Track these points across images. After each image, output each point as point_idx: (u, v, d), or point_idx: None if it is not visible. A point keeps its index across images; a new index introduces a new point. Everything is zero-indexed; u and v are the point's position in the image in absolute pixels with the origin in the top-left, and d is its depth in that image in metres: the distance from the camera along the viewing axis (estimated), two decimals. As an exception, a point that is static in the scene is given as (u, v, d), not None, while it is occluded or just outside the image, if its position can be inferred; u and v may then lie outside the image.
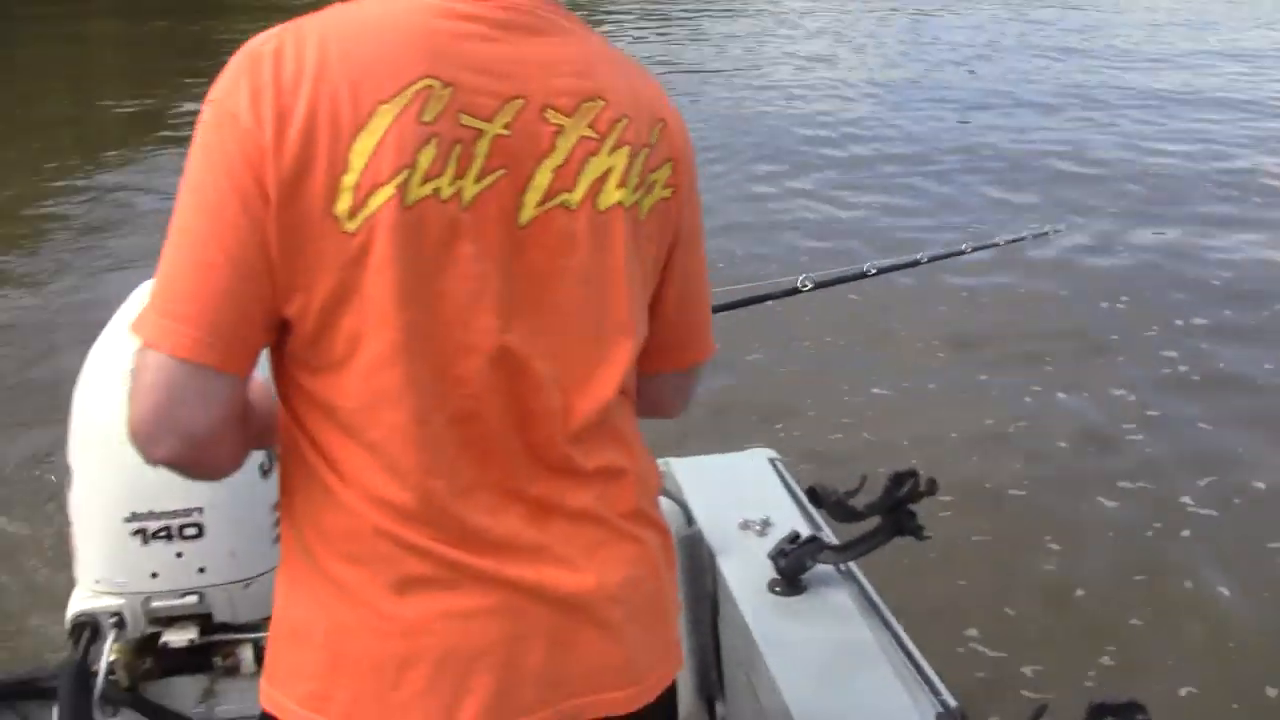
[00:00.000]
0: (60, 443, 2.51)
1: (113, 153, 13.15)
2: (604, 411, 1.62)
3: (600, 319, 1.60)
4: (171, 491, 2.33)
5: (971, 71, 18.14)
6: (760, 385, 6.67)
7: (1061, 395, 6.78)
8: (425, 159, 1.43)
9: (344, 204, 1.41)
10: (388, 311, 1.45)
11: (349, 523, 1.52)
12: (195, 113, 1.44)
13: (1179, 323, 7.74)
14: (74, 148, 13.53)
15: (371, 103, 1.41)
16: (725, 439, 4.73)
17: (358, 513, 1.51)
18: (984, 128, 13.94)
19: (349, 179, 1.41)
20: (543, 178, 1.51)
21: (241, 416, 1.53)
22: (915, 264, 3.85)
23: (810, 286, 3.46)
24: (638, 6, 25.73)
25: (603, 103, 1.55)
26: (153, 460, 1.47)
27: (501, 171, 1.49)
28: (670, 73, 16.56)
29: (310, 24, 1.47)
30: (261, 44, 1.46)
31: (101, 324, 2.54)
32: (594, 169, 1.54)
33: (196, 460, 1.49)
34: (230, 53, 1.47)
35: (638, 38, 21.67)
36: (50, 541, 4.96)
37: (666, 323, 1.74)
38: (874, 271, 3.65)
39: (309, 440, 1.54)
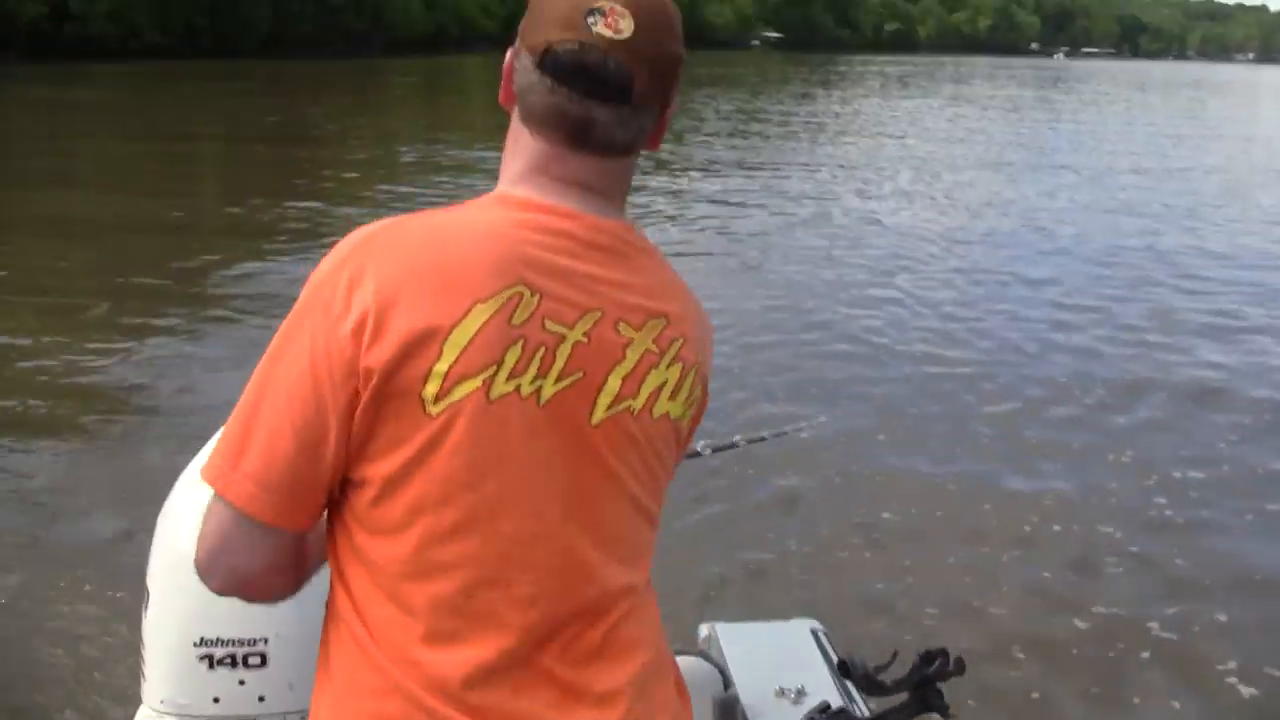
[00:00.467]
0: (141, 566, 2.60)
1: (216, 256, 13.88)
2: (641, 599, 1.78)
3: (641, 517, 1.77)
4: (240, 620, 2.41)
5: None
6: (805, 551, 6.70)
7: (1057, 527, 7.05)
8: (511, 358, 1.60)
9: (431, 389, 1.57)
10: (454, 492, 1.60)
11: (372, 679, 1.64)
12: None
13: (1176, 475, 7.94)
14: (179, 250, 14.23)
15: (469, 301, 1.58)
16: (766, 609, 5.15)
17: (387, 673, 1.63)
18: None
19: (440, 367, 1.57)
20: (614, 383, 1.68)
21: (292, 563, 1.73)
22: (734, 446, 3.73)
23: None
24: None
25: (665, 322, 1.73)
26: (211, 590, 1.69)
27: (579, 374, 1.65)
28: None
29: (415, 223, 1.69)
30: (371, 234, 1.66)
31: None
32: (653, 380, 1.72)
33: (247, 595, 1.72)
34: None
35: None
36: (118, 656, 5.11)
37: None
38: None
39: (348, 594, 1.68)
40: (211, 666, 2.45)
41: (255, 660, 2.45)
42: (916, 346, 10.78)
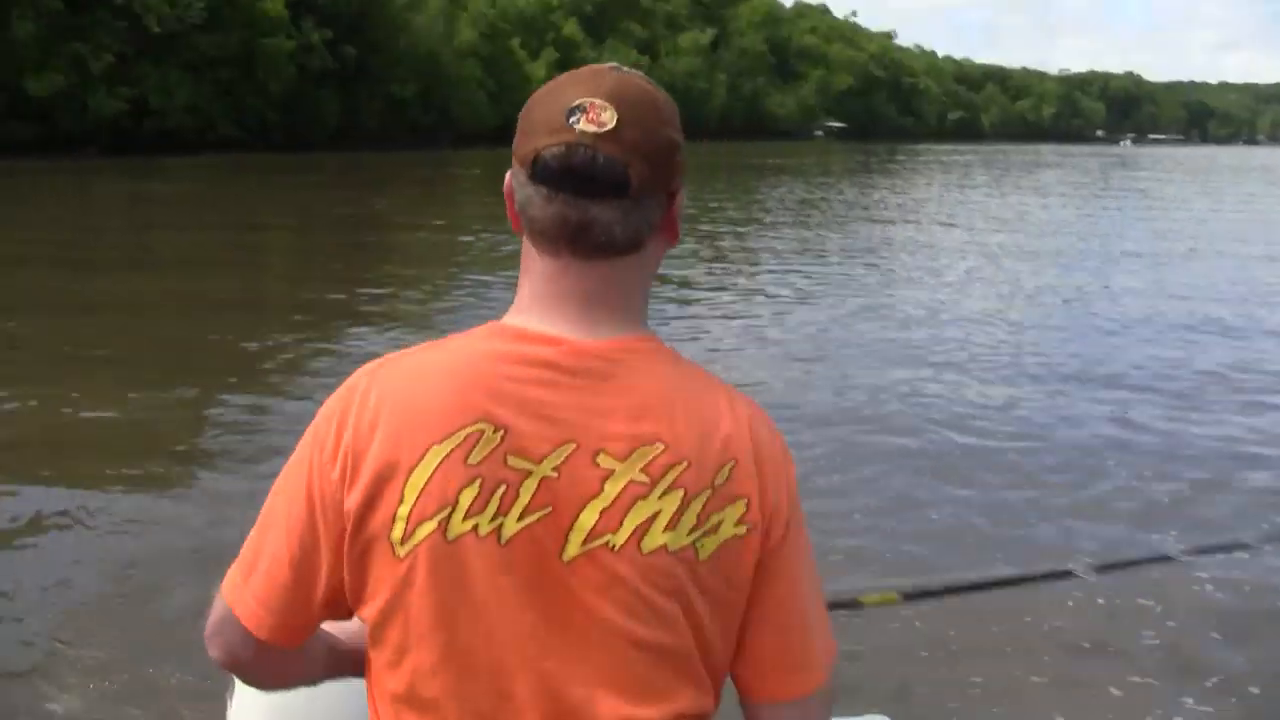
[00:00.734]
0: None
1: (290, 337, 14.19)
2: None
3: (644, 653, 1.67)
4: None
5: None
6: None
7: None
8: (466, 498, 1.62)
9: (397, 532, 1.63)
10: (425, 632, 1.65)
11: None
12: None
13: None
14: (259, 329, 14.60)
15: (425, 444, 1.63)
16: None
17: None
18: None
19: (402, 510, 1.62)
20: (588, 518, 1.64)
21: (279, 669, 1.89)
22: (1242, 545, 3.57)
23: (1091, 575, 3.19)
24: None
25: (660, 446, 1.66)
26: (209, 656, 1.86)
27: (547, 510, 1.63)
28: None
29: (392, 366, 1.75)
30: (355, 382, 1.74)
31: None
32: (640, 513, 1.64)
33: (237, 673, 1.91)
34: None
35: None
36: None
37: (756, 657, 1.78)
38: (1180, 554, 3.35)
39: (374, 709, 1.79)
40: None
41: None
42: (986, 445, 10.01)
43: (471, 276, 19.96)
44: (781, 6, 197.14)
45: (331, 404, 1.74)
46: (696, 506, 1.66)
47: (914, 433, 10.23)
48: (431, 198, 44.00)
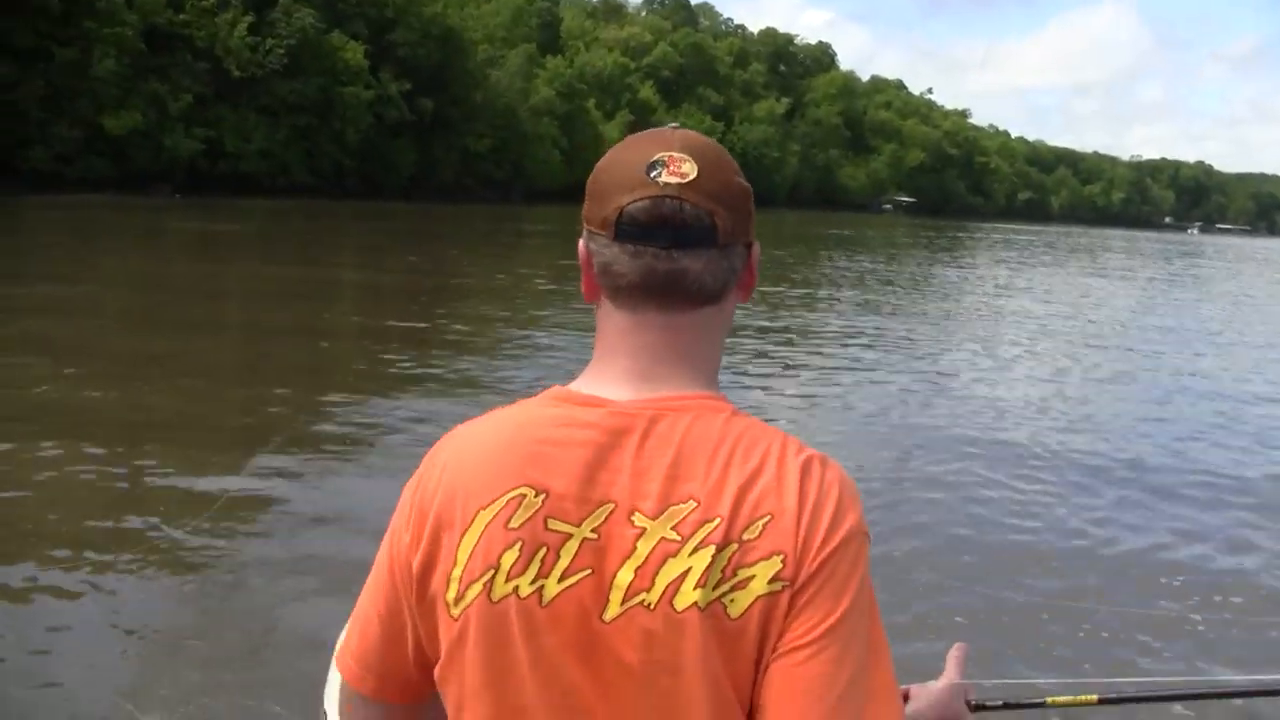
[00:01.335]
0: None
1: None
2: None
3: (686, 711, 1.63)
4: None
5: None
6: None
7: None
8: (508, 560, 1.65)
9: (452, 593, 1.69)
10: (478, 689, 1.70)
11: None
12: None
13: None
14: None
15: (474, 509, 1.68)
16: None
17: None
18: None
19: (456, 573, 1.68)
20: (624, 576, 1.64)
21: None
22: None
23: None
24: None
25: (693, 504, 1.63)
26: None
27: (588, 571, 1.65)
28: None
29: (466, 431, 1.81)
30: (435, 449, 1.82)
31: None
32: (671, 570, 1.62)
33: None
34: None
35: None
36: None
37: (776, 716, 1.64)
38: None
39: None
40: None
41: None
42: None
43: (535, 334, 20.03)
44: (858, 80, 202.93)
45: (417, 472, 1.79)
46: (722, 562, 1.61)
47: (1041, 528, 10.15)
48: (501, 251, 44.59)
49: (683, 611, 1.60)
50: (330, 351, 17.92)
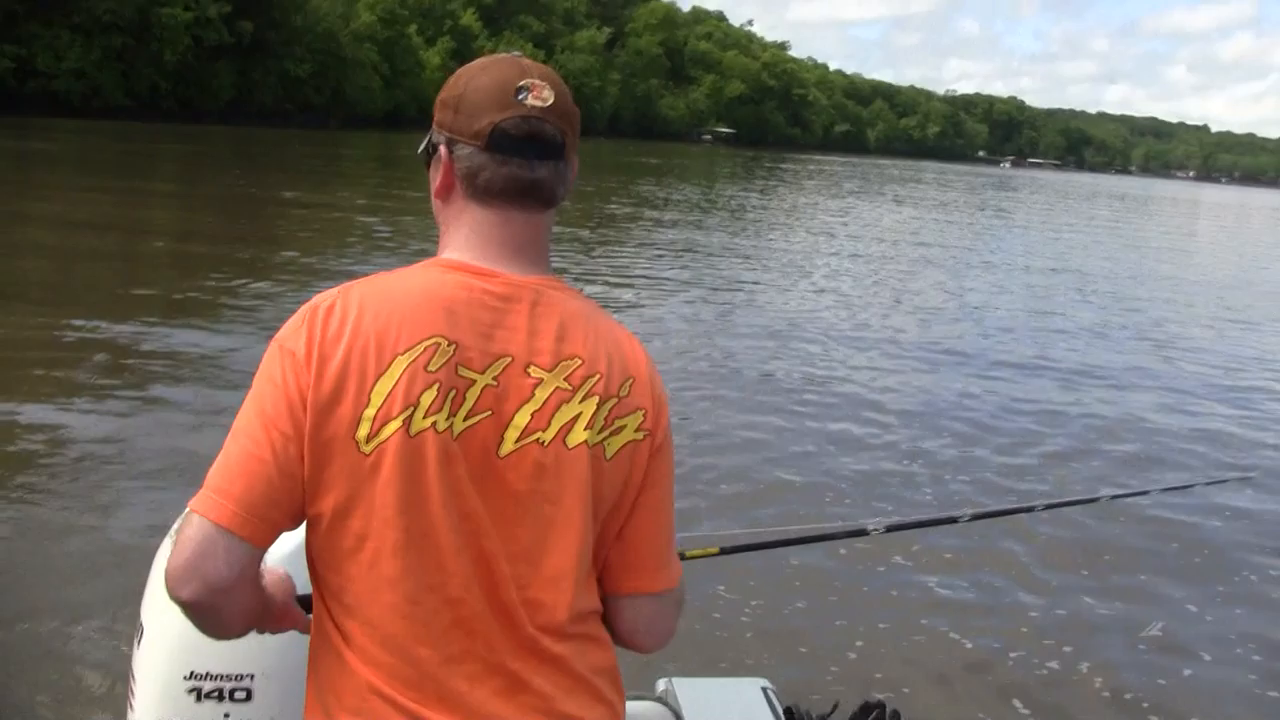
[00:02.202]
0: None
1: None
2: (568, 613, 2.00)
3: (560, 535, 1.98)
4: (228, 657, 2.48)
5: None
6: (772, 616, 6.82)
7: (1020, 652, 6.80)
8: (426, 399, 1.87)
9: (363, 431, 1.85)
10: (390, 516, 1.87)
11: (352, 682, 1.93)
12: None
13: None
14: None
15: (390, 354, 1.87)
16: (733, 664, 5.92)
17: (359, 674, 1.92)
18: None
19: (369, 412, 1.85)
20: (521, 419, 1.93)
21: (254, 580, 1.94)
22: (1024, 509, 4.12)
23: (882, 529, 3.41)
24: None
25: (578, 361, 1.98)
26: (178, 599, 1.87)
27: (488, 413, 1.92)
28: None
29: (356, 289, 1.96)
30: (319, 301, 1.95)
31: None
32: (565, 414, 1.95)
33: (212, 605, 1.87)
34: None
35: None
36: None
37: (633, 549, 2.09)
38: (967, 518, 3.61)
39: (328, 615, 1.97)
40: (199, 699, 2.54)
41: (241, 695, 2.55)
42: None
43: (352, 251, 20.74)
44: (679, 11, 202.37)
45: (294, 321, 1.96)
46: (606, 409, 1.99)
47: (758, 407, 11.73)
48: (320, 176, 44.26)
49: (573, 448, 1.96)
50: (140, 272, 17.87)
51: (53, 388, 10.23)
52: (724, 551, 3.22)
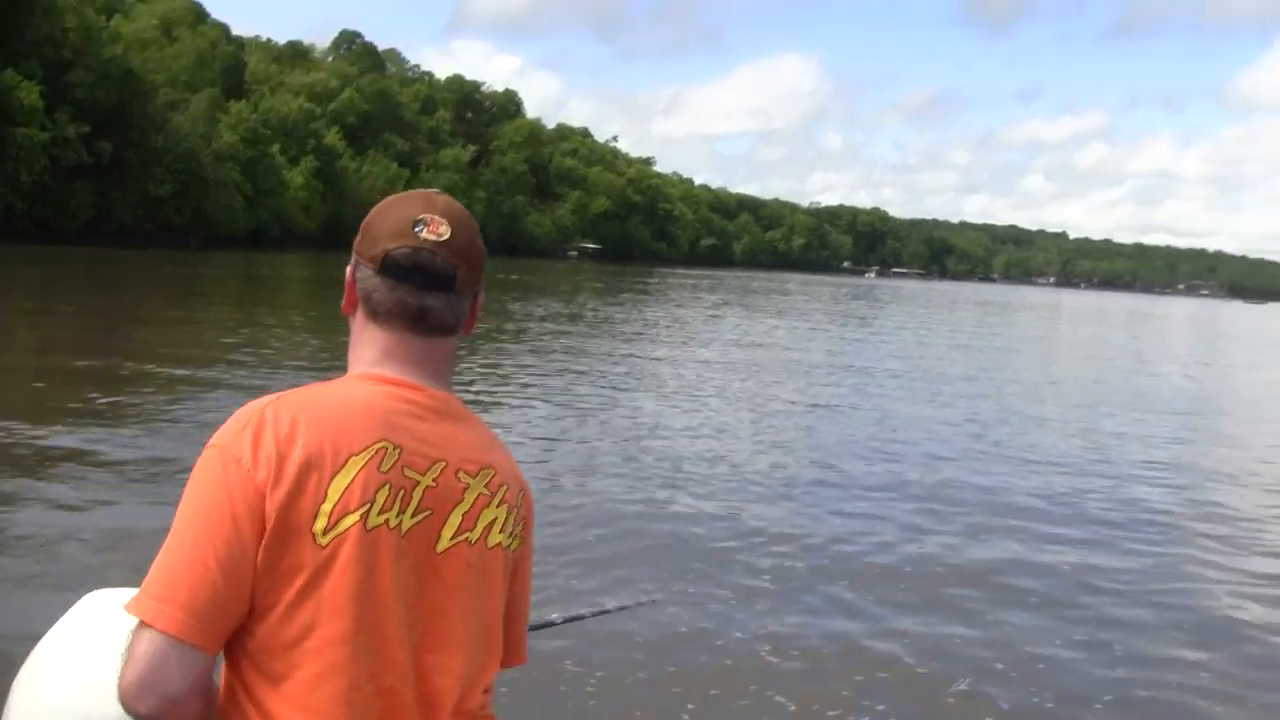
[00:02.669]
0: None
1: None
2: (479, 703, 2.22)
3: (481, 628, 2.19)
4: None
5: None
6: None
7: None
8: (381, 497, 2.03)
9: (320, 524, 1.98)
10: (342, 605, 1.99)
11: None
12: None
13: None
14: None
15: (346, 454, 2.02)
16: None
17: None
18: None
19: (325, 506, 1.99)
20: (455, 519, 2.12)
21: (206, 688, 1.99)
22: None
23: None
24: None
25: (493, 471, 2.20)
26: (135, 713, 1.91)
27: (429, 511, 2.09)
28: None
29: (292, 398, 2.09)
30: (259, 408, 2.06)
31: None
32: (486, 517, 2.17)
33: (167, 717, 1.91)
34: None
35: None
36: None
37: (512, 630, 2.34)
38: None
39: (255, 706, 2.02)
40: None
41: None
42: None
43: (219, 373, 20.29)
44: (544, 128, 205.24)
45: (234, 429, 2.06)
46: (512, 517, 2.24)
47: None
48: (183, 297, 43.93)
49: (492, 548, 2.19)
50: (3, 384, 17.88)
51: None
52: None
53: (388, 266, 2.16)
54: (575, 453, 15.46)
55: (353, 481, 2.01)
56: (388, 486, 2.04)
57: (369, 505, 2.01)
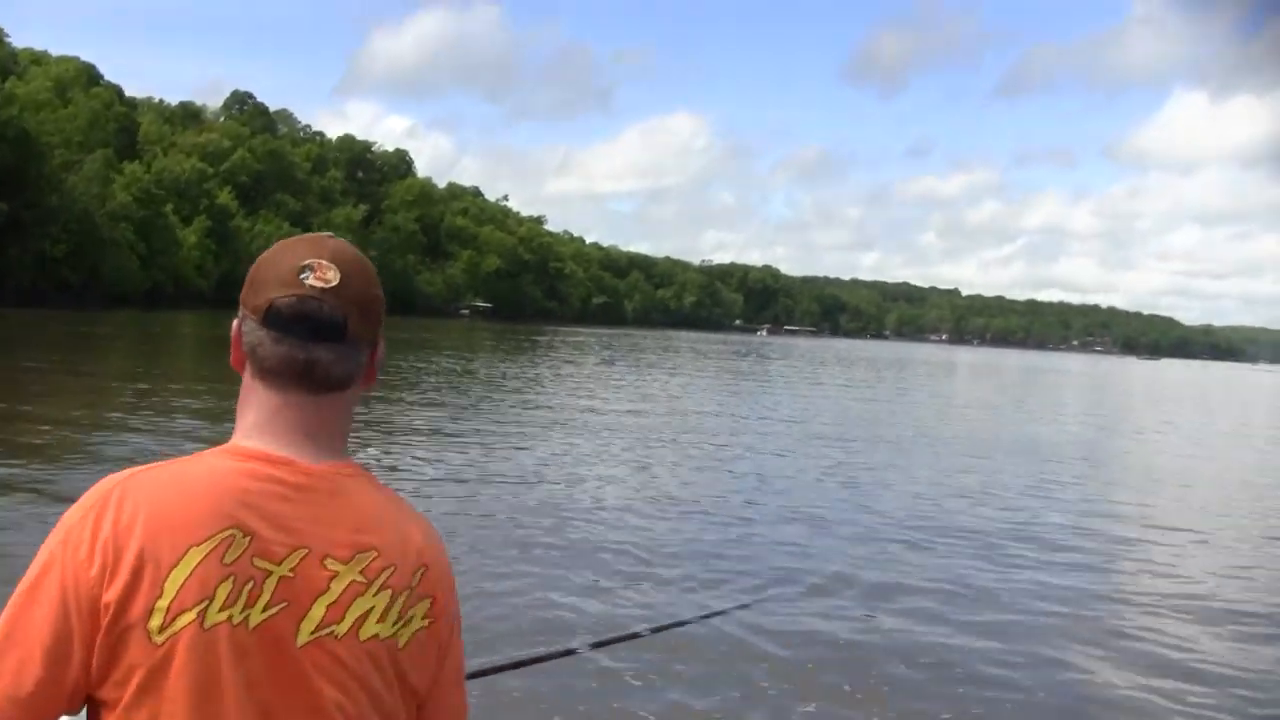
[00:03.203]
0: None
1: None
2: None
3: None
4: None
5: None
6: None
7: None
8: (222, 592, 1.85)
9: (156, 621, 1.82)
10: (181, 710, 1.84)
11: None
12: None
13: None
14: None
15: (185, 545, 1.84)
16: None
17: None
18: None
19: (161, 603, 1.82)
20: (317, 611, 1.91)
21: None
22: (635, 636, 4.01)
23: (587, 648, 2.94)
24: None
25: (374, 553, 1.98)
26: None
27: (284, 604, 1.89)
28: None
29: (143, 477, 1.94)
30: (107, 490, 1.92)
31: None
32: (359, 607, 1.95)
33: None
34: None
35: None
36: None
37: (438, 707, 2.13)
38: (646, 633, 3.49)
39: None
40: None
41: None
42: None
43: (119, 436, 20.61)
44: (435, 187, 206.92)
45: (79, 512, 1.92)
46: (399, 603, 2.00)
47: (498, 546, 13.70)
48: (78, 359, 44.21)
49: (366, 641, 1.96)
50: None
51: None
52: None
53: (271, 317, 2.00)
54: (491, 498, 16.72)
55: (190, 576, 1.85)
56: (231, 580, 1.87)
57: (207, 602, 1.85)
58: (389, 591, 1.99)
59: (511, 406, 33.07)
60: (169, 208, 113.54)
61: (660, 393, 45.32)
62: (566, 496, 17.85)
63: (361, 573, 1.97)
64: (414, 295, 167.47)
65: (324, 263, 2.01)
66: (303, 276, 2.00)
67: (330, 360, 2.02)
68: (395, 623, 2.00)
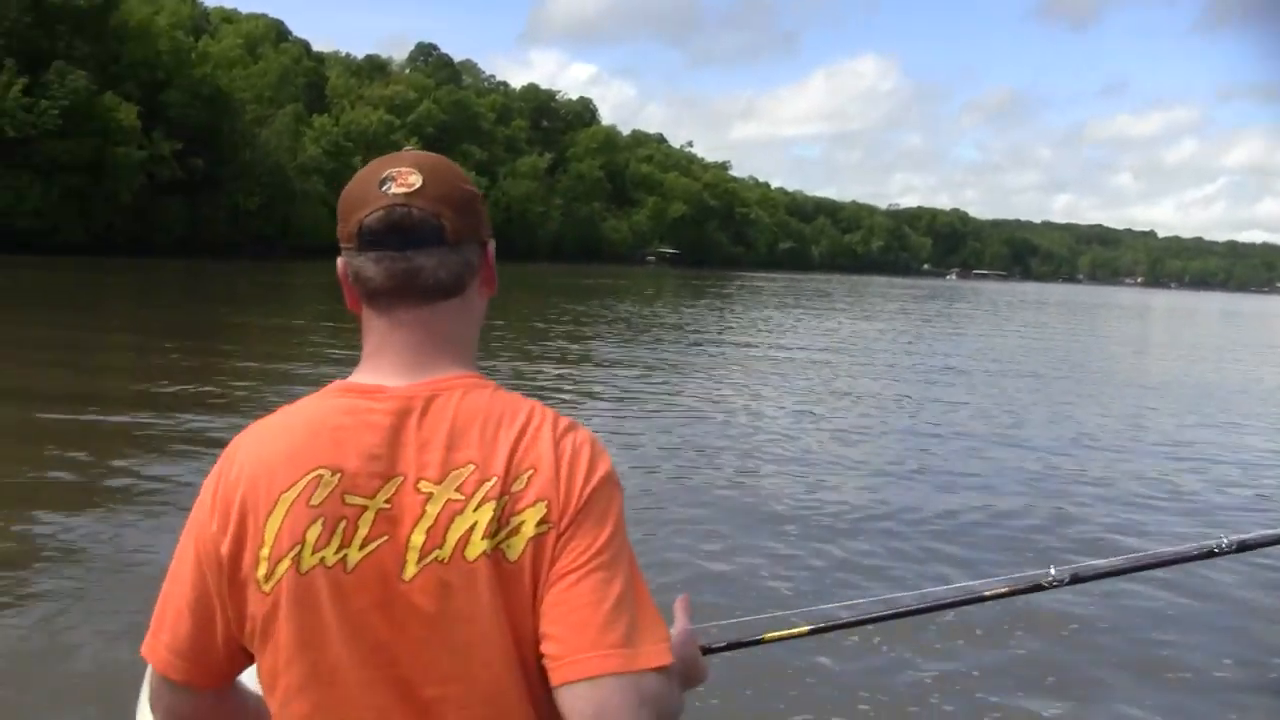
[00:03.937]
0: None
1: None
2: None
3: (482, 650, 1.85)
4: None
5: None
6: None
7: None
8: (312, 535, 1.84)
9: (262, 570, 1.86)
10: (292, 655, 1.87)
11: None
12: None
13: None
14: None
15: (277, 492, 1.86)
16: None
17: None
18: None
19: (264, 552, 1.85)
20: (417, 538, 1.83)
21: (212, 714, 2.06)
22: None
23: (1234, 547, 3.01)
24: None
25: (472, 467, 1.85)
26: None
27: (384, 538, 1.84)
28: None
29: (251, 431, 1.98)
30: (230, 447, 1.98)
31: None
32: (459, 526, 1.83)
33: None
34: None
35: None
36: None
37: (558, 638, 1.81)
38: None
39: None
40: None
41: None
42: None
43: (304, 371, 21.26)
44: (619, 134, 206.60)
45: (213, 470, 1.98)
46: (504, 514, 1.84)
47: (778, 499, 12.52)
48: (271, 302, 45.60)
49: (474, 561, 1.82)
50: (101, 395, 18.01)
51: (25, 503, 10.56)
52: (813, 631, 3.11)
53: (364, 237, 1.93)
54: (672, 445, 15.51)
55: (284, 522, 1.86)
56: (321, 521, 1.85)
57: (299, 546, 1.85)
58: (490, 503, 1.85)
59: (699, 354, 31.92)
60: (357, 159, 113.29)
61: (865, 337, 44.11)
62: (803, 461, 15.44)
63: (458, 489, 1.86)
64: (600, 242, 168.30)
65: (403, 169, 1.95)
66: (384, 188, 1.93)
67: (434, 265, 1.95)
68: (498, 533, 1.85)
